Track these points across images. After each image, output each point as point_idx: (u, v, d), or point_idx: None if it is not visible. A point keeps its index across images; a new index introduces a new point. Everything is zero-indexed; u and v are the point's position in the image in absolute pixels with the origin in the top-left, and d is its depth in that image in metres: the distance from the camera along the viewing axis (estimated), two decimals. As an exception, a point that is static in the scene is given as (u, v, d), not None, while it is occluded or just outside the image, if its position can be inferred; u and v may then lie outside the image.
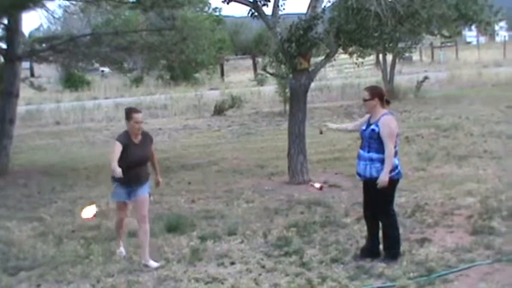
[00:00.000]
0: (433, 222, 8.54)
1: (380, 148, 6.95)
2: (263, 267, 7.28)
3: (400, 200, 9.79)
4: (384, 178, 6.90)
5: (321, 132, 7.82)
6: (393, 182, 7.07)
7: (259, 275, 7.01)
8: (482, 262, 6.95)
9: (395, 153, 7.04)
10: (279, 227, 8.68)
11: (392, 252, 7.21)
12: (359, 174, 7.29)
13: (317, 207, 9.67)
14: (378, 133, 6.98)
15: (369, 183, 7.16)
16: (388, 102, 7.32)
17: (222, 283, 6.86)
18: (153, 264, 7.44)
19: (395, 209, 9.20)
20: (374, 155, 6.98)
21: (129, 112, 7.45)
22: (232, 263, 7.44)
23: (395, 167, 7.02)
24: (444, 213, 8.93)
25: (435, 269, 6.83)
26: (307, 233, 8.39)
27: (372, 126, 7.06)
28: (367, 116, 7.36)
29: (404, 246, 7.57)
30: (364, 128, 7.22)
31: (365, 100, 7.22)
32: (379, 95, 7.20)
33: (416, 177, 11.37)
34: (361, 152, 7.16)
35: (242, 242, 8.29)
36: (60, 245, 8.51)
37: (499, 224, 8.21)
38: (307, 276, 6.89)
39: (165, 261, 7.66)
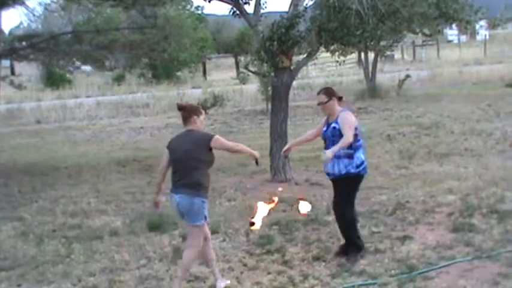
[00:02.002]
0: (414, 220, 8.57)
1: None
2: (245, 265, 7.28)
3: (382, 198, 9.85)
4: (328, 154, 6.81)
5: (286, 157, 7.74)
6: (359, 177, 7.16)
7: (241, 273, 7.01)
8: (463, 259, 6.99)
9: (359, 147, 7.10)
10: (261, 225, 8.68)
11: (352, 255, 7.22)
12: (328, 174, 7.34)
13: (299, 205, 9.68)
14: (340, 129, 7.01)
15: (337, 180, 7.22)
16: (340, 99, 7.32)
17: (204, 282, 6.86)
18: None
19: (376, 207, 9.30)
20: (340, 152, 7.00)
21: (200, 108, 6.77)
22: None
23: (361, 162, 7.10)
24: (425, 211, 8.98)
25: (416, 266, 6.86)
26: (289, 231, 8.41)
27: (333, 125, 7.11)
28: (324, 119, 7.38)
29: (386, 244, 7.62)
30: (324, 129, 7.25)
31: (324, 103, 7.18)
32: (335, 94, 7.26)
33: (397, 175, 11.42)
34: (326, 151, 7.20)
35: (224, 240, 8.29)
36: (41, 244, 8.46)
37: (479, 221, 8.26)
38: (289, 274, 6.90)
39: (146, 259, 7.65)
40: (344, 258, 7.23)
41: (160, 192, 6.75)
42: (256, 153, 6.60)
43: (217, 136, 6.39)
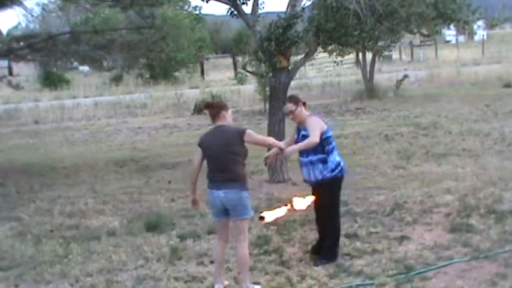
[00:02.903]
0: (412, 220, 8.57)
1: (317, 149, 7.00)
2: (243, 265, 7.27)
3: (379, 198, 9.85)
4: (288, 152, 7.05)
5: (266, 164, 7.62)
6: (336, 180, 7.16)
7: (239, 273, 6.99)
8: (460, 259, 6.99)
9: (333, 150, 7.11)
10: (259, 226, 8.66)
11: (323, 262, 7.16)
12: (306, 181, 7.37)
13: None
14: (309, 135, 7.03)
15: (315, 187, 7.23)
16: (304, 104, 7.30)
17: (202, 282, 6.85)
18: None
19: (374, 207, 9.30)
20: (313, 158, 7.04)
21: (227, 104, 6.92)
22: (212, 262, 7.39)
23: (337, 165, 7.10)
24: (423, 211, 8.97)
25: (414, 266, 6.86)
26: (286, 231, 8.39)
27: (303, 132, 7.12)
28: (295, 127, 7.40)
29: (383, 244, 7.62)
30: (296, 137, 7.27)
31: (292, 111, 7.18)
32: (300, 101, 7.25)
33: (395, 176, 11.42)
34: (301, 158, 7.21)
35: (222, 240, 8.27)
36: (38, 244, 8.44)
37: (476, 221, 8.26)
38: (286, 274, 6.89)
39: (144, 260, 7.64)
40: (342, 259, 7.24)
41: (196, 191, 6.71)
42: (282, 144, 6.86)
43: (249, 130, 6.47)
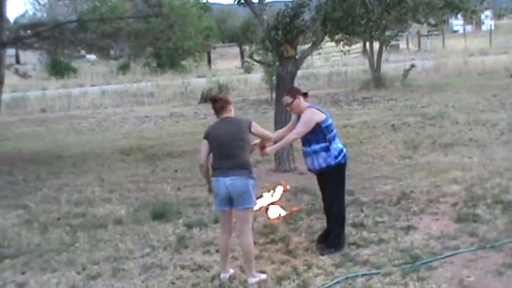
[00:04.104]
0: (418, 210, 8.56)
1: (319, 138, 7.03)
2: (249, 254, 7.28)
3: (386, 188, 9.84)
4: (269, 151, 7.15)
5: (251, 152, 7.58)
6: (340, 167, 7.17)
7: (245, 262, 7.01)
8: (467, 249, 6.98)
9: (334, 138, 7.13)
10: (265, 215, 8.68)
11: (329, 250, 7.17)
12: (310, 170, 7.38)
13: (303, 194, 9.68)
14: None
15: (320, 175, 7.26)
16: (305, 95, 7.32)
17: (208, 271, 6.86)
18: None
19: (380, 197, 9.28)
20: (316, 147, 7.06)
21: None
22: (218, 251, 7.43)
23: (339, 152, 7.13)
24: (430, 201, 8.96)
25: (420, 256, 6.85)
26: (293, 220, 8.40)
27: None
28: (294, 116, 7.41)
29: (389, 234, 7.62)
30: None
31: (290, 103, 7.21)
32: (299, 92, 7.28)
33: (402, 165, 11.40)
34: (304, 148, 7.24)
35: (228, 229, 8.28)
36: (45, 232, 8.47)
37: (483, 211, 8.24)
38: (292, 263, 6.90)
39: (150, 248, 7.66)
40: (348, 248, 7.24)
41: (211, 178, 6.68)
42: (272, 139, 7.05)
43: (254, 122, 6.59)
